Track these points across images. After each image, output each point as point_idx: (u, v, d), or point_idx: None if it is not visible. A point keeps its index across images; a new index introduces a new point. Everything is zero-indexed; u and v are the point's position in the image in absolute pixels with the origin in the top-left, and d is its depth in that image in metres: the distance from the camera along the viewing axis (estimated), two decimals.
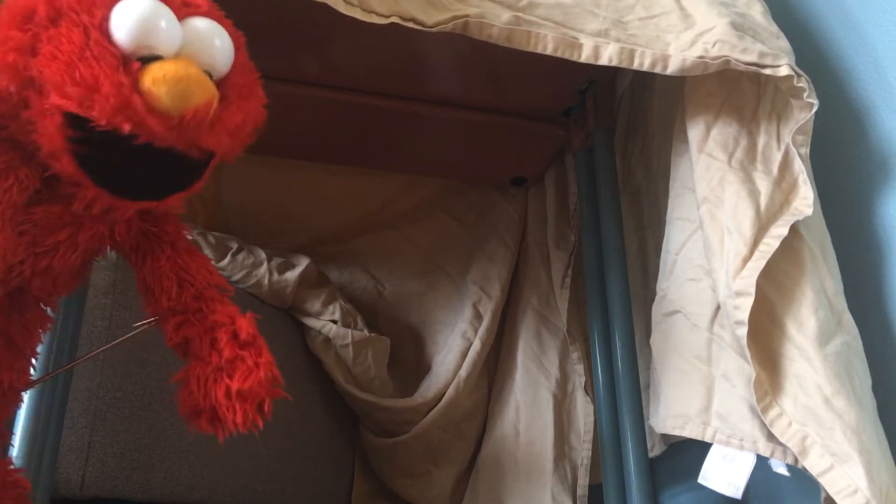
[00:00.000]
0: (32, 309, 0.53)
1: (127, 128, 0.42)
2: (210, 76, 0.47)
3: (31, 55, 0.43)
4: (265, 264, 1.10)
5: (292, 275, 1.12)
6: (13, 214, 0.45)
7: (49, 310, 0.56)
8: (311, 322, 1.14)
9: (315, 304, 1.14)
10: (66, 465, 0.75)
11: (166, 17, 0.45)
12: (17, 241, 0.46)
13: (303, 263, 1.15)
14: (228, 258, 1.08)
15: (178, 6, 0.47)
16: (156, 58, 0.44)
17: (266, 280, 1.08)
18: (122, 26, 0.43)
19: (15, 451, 0.66)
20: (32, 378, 0.56)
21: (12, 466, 0.55)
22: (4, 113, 0.45)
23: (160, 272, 0.54)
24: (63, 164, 0.44)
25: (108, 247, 0.54)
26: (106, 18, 0.44)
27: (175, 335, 0.53)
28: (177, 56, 0.45)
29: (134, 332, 0.57)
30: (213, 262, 0.57)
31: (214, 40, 0.47)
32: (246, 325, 0.53)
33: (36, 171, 0.46)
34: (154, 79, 0.43)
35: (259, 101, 0.51)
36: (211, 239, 1.10)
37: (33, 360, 0.55)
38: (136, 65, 0.43)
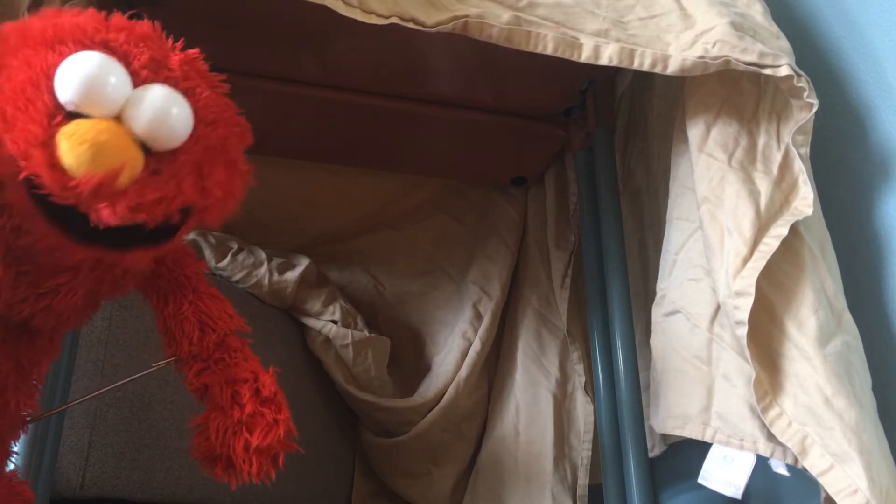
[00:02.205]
0: (42, 338, 0.53)
1: (22, 175, 0.41)
2: (151, 145, 0.44)
3: None
4: (265, 264, 1.10)
5: (292, 275, 1.12)
6: (6, 251, 0.45)
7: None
8: (311, 322, 1.14)
9: (315, 305, 1.14)
10: (66, 465, 0.75)
11: (112, 79, 0.43)
12: (13, 277, 0.46)
13: (303, 264, 1.15)
14: (228, 258, 1.08)
15: (143, 65, 0.45)
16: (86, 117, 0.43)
17: (266, 280, 1.08)
18: (60, 80, 0.42)
19: (15, 451, 0.66)
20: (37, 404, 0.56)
21: (16, 479, 0.55)
22: None
23: (182, 317, 0.55)
24: (15, 193, 0.43)
25: (120, 291, 0.55)
26: (55, 66, 0.43)
27: (195, 381, 0.55)
28: (114, 118, 0.43)
29: (151, 370, 0.58)
30: (231, 305, 0.58)
31: (163, 112, 0.44)
32: (269, 382, 0.54)
33: None
34: (63, 133, 0.41)
35: (208, 183, 0.47)
36: (211, 239, 1.10)
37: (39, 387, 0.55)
38: (59, 119, 0.42)
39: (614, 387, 0.91)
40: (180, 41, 0.49)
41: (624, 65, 0.70)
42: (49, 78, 0.42)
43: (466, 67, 0.97)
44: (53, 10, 0.46)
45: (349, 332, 1.13)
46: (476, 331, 1.21)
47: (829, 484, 0.60)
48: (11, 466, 0.63)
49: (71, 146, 0.41)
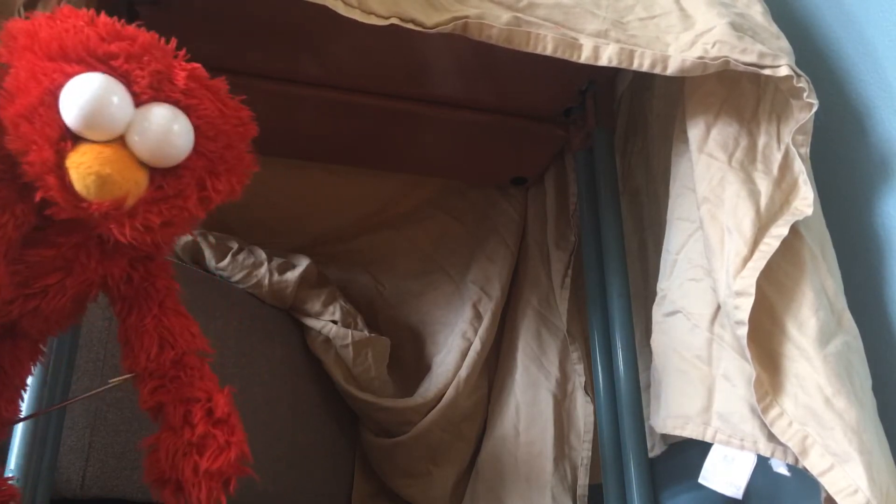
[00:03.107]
0: (24, 341, 0.53)
1: (40, 194, 0.44)
2: (151, 164, 0.46)
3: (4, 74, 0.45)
4: (265, 264, 1.10)
5: (292, 275, 1.12)
6: (8, 249, 0.46)
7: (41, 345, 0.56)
8: (312, 322, 1.14)
9: (315, 305, 1.14)
10: (66, 465, 0.75)
11: (114, 103, 0.44)
12: (11, 276, 0.47)
13: (303, 264, 1.15)
14: (228, 258, 1.08)
15: (145, 86, 0.46)
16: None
17: (266, 280, 1.08)
18: (65, 105, 0.44)
19: (15, 452, 0.66)
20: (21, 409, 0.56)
21: (5, 476, 0.55)
22: None
23: (143, 329, 0.54)
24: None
25: (98, 292, 0.54)
26: (61, 87, 0.44)
27: (150, 399, 0.53)
28: (116, 140, 0.45)
29: (108, 387, 0.57)
30: (198, 325, 0.57)
31: (163, 132, 0.46)
32: (222, 402, 0.53)
33: (31, 207, 0.47)
34: (72, 163, 0.43)
35: (203, 198, 0.49)
36: (211, 239, 1.10)
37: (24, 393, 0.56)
38: (69, 144, 0.44)
39: (614, 387, 0.91)
40: (182, 51, 0.49)
41: (623, 65, 0.70)
42: (56, 99, 0.44)
43: (466, 68, 0.97)
44: (62, 12, 0.47)
45: (349, 332, 1.13)
46: (476, 331, 1.21)
47: (830, 484, 0.59)
48: (10, 464, 0.63)
49: (79, 177, 0.43)
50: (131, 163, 0.45)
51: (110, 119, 0.44)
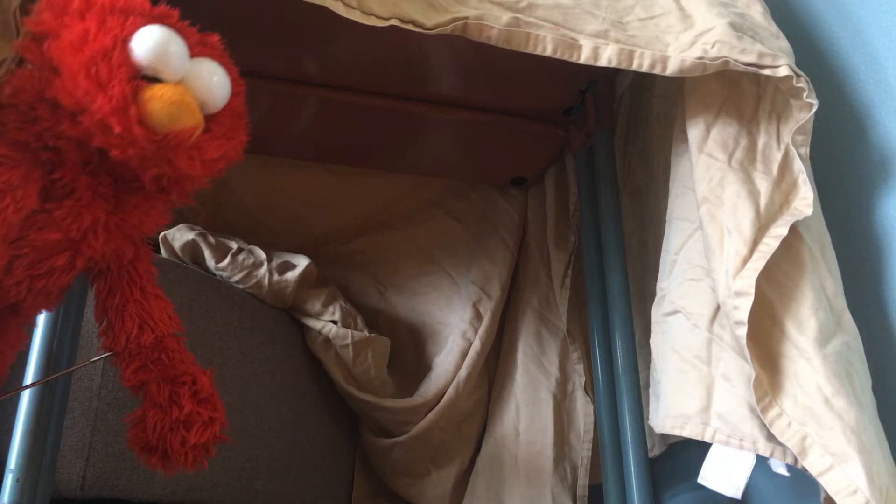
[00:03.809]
0: (11, 328, 0.55)
1: (117, 129, 0.46)
2: (202, 109, 0.52)
3: (52, 39, 0.48)
4: (265, 265, 1.10)
5: (292, 275, 1.12)
6: (7, 233, 0.47)
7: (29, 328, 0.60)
8: (311, 322, 1.14)
9: (315, 305, 1.14)
10: (66, 465, 0.75)
11: (179, 49, 0.51)
12: (10, 258, 0.49)
13: (303, 264, 1.15)
14: (228, 259, 1.08)
15: (194, 43, 0.52)
16: (159, 80, 0.49)
17: (266, 280, 1.08)
18: (141, 46, 0.49)
19: (15, 452, 0.66)
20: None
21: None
22: (26, 102, 0.49)
23: (125, 311, 0.58)
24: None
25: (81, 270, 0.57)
26: (131, 35, 0.49)
27: (132, 378, 0.58)
28: (178, 83, 0.50)
29: (89, 363, 0.60)
30: (172, 307, 0.61)
31: (214, 80, 0.53)
32: (206, 384, 0.59)
33: (32, 192, 0.49)
34: (151, 96, 0.48)
35: (240, 143, 0.55)
36: (211, 239, 1.10)
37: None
38: (142, 82, 0.48)
39: (614, 387, 0.91)
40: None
41: (623, 66, 0.70)
42: (127, 45, 0.48)
43: (467, 68, 0.97)
44: None
45: (349, 332, 1.13)
46: (476, 331, 1.21)
47: (829, 484, 0.60)
48: (10, 464, 0.63)
49: (161, 105, 0.48)
50: (196, 102, 0.51)
51: (179, 58, 0.50)
